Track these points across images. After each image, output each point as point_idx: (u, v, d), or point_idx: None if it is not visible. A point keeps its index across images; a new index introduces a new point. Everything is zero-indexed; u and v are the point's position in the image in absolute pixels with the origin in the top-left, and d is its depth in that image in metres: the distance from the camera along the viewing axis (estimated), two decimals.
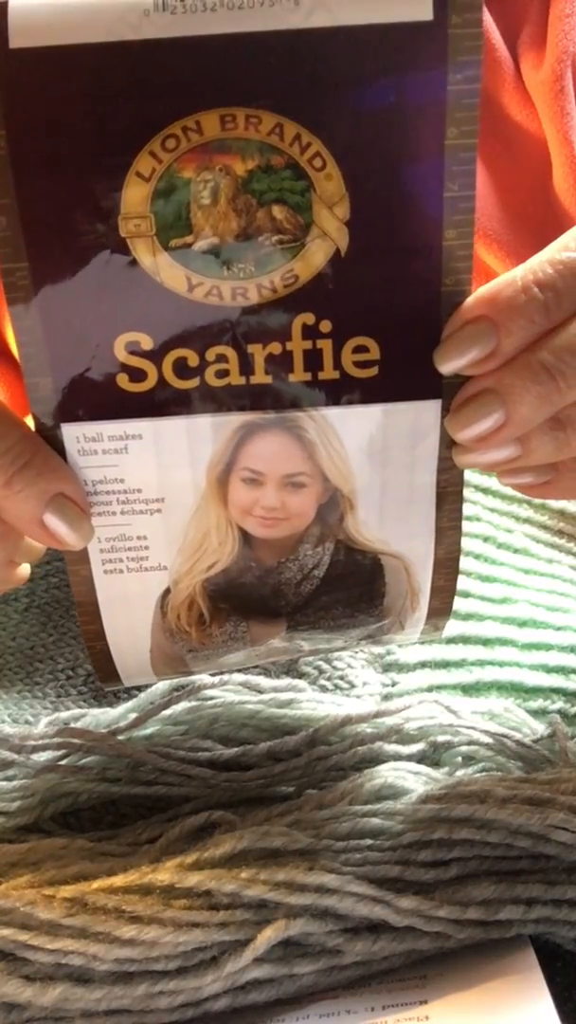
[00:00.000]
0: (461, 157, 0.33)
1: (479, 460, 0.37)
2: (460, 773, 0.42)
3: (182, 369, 0.36)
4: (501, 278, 0.35)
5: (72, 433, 0.36)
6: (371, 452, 0.38)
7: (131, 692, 0.48)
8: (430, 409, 0.37)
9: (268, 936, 0.34)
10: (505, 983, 0.34)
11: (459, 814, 0.37)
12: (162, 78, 0.32)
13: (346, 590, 0.41)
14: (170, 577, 0.40)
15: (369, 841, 0.37)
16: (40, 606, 0.53)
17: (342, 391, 0.36)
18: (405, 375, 0.36)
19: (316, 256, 0.34)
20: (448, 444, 0.38)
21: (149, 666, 0.43)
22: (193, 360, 0.36)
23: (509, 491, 0.56)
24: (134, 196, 0.33)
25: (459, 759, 0.43)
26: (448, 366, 0.35)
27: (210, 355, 0.35)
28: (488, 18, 0.60)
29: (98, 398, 0.36)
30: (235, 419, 0.37)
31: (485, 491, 0.57)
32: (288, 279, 0.35)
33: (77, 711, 0.46)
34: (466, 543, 0.54)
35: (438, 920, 0.35)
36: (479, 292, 0.35)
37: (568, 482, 0.39)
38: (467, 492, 0.56)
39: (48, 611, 0.53)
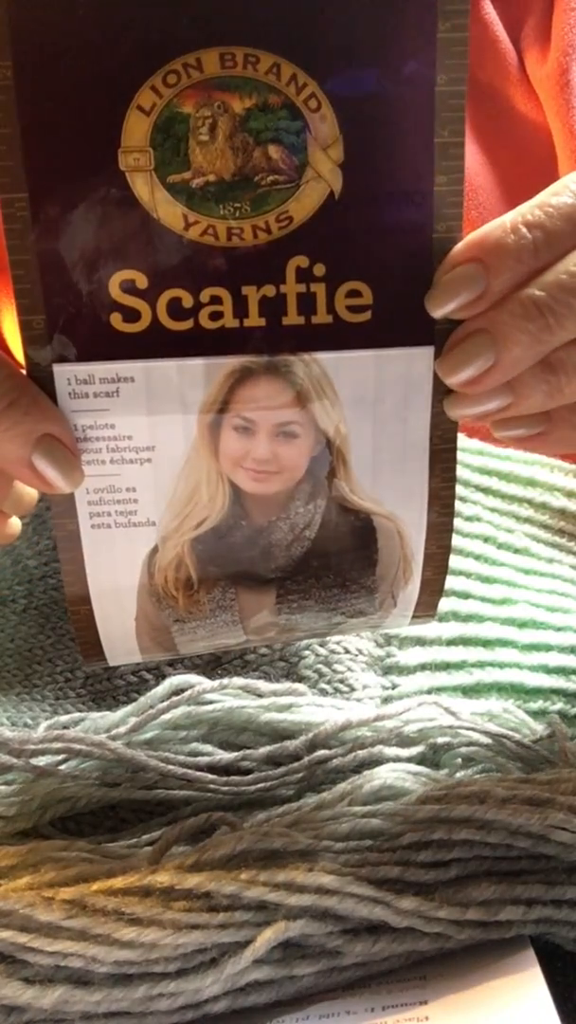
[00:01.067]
0: (451, 104, 0.34)
1: (471, 411, 0.37)
2: (460, 774, 0.42)
3: (176, 310, 0.36)
4: (491, 223, 0.35)
5: (64, 374, 0.36)
6: (363, 400, 0.38)
7: (130, 695, 0.48)
8: (423, 356, 0.37)
9: (268, 937, 0.34)
10: (505, 983, 0.34)
11: (459, 815, 0.37)
12: (165, 13, 0.33)
13: (338, 554, 0.41)
14: (158, 533, 0.40)
15: (369, 842, 0.37)
16: (38, 607, 0.53)
17: (335, 336, 0.37)
18: (398, 321, 0.37)
19: (311, 198, 0.35)
20: (441, 397, 0.38)
21: (134, 637, 0.43)
22: (187, 301, 0.36)
23: (510, 491, 0.56)
24: (135, 129, 0.34)
25: (459, 760, 0.43)
26: (439, 310, 0.36)
27: (204, 296, 0.36)
28: (492, 12, 0.60)
29: (91, 337, 0.36)
30: (228, 362, 0.37)
31: (486, 491, 0.57)
32: (283, 220, 0.35)
33: (76, 714, 0.46)
34: (466, 543, 0.54)
35: (438, 921, 0.35)
36: (469, 237, 0.36)
37: (562, 433, 0.38)
38: (467, 492, 0.56)
39: (46, 613, 0.53)
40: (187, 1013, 0.35)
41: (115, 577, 0.41)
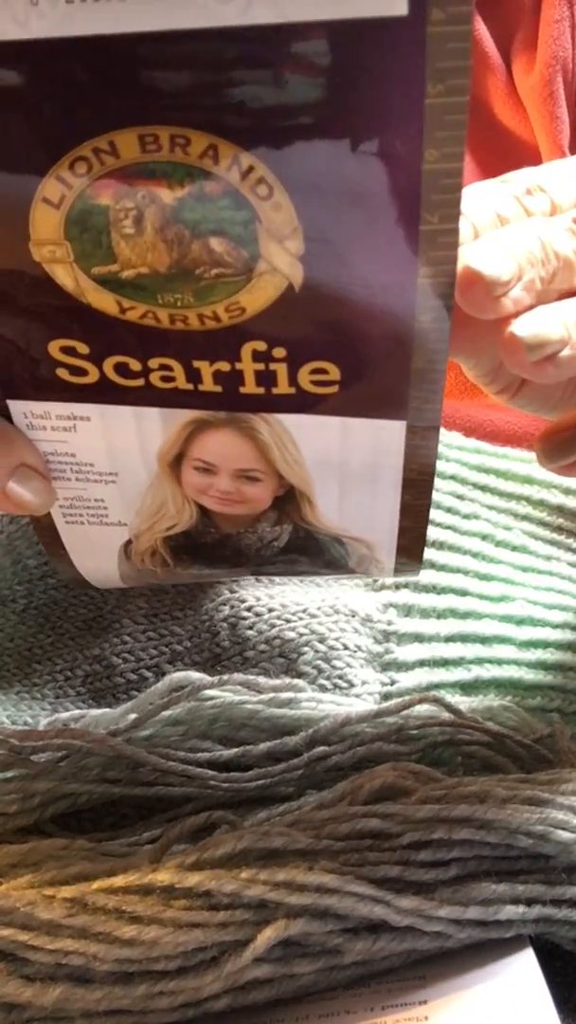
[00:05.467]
0: (443, 185, 0.27)
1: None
2: (459, 773, 0.42)
3: (125, 371, 0.33)
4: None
5: (19, 409, 0.35)
6: (328, 460, 0.36)
7: (130, 693, 0.48)
8: (395, 429, 0.34)
9: (268, 936, 0.34)
10: (505, 983, 0.34)
11: (459, 814, 0.37)
12: (60, 89, 0.25)
13: (309, 557, 0.41)
14: (130, 532, 0.40)
15: (369, 841, 0.37)
16: (38, 607, 0.53)
17: (299, 403, 0.33)
18: (368, 396, 0.33)
19: (265, 290, 0.30)
20: (412, 460, 0.35)
21: (119, 581, 0.43)
22: (135, 366, 0.33)
23: (508, 488, 0.56)
24: (44, 223, 0.28)
25: (459, 759, 0.43)
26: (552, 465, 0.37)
27: (153, 364, 0.33)
28: (483, 28, 0.60)
29: (40, 385, 0.34)
30: (184, 414, 0.34)
31: (483, 488, 0.56)
32: (234, 311, 0.30)
33: (76, 712, 0.46)
34: (464, 541, 0.54)
35: (438, 920, 0.35)
36: None
37: None
38: (465, 490, 0.56)
39: (46, 612, 0.52)
40: (187, 1011, 0.35)
41: (95, 556, 0.41)
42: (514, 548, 0.55)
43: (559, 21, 0.58)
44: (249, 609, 0.49)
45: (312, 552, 0.41)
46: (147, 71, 0.25)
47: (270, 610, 0.49)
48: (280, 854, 0.36)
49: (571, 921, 0.36)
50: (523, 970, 0.35)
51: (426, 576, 0.51)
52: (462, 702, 0.45)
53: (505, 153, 0.61)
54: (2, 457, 0.36)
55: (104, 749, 0.42)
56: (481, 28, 0.60)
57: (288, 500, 0.38)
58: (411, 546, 0.40)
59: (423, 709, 0.44)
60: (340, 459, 0.36)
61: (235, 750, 0.43)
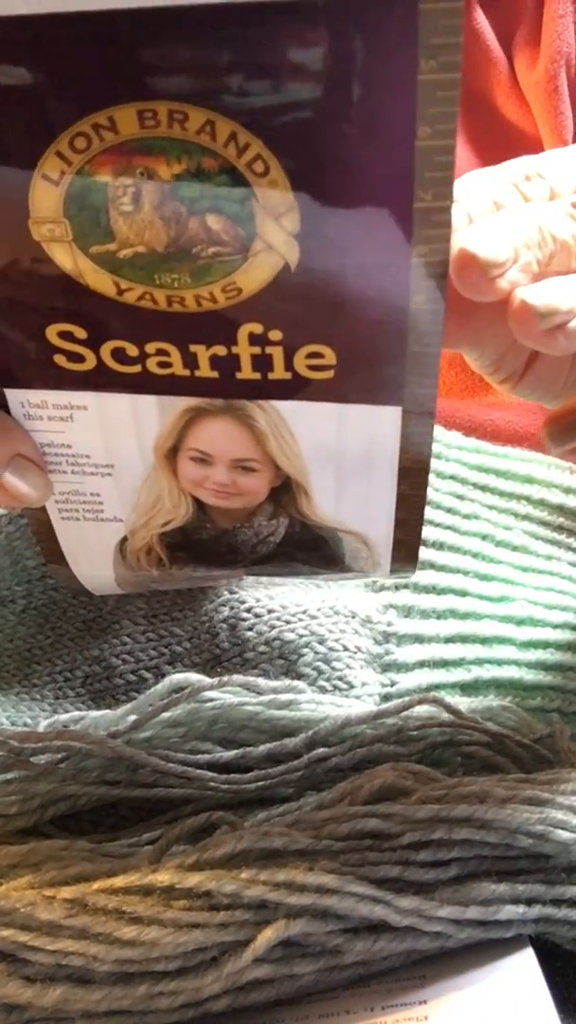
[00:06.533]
0: (437, 162, 0.27)
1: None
2: (459, 773, 0.42)
3: (122, 357, 0.33)
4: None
5: (16, 398, 0.35)
6: (325, 448, 0.36)
7: (129, 694, 0.48)
8: (390, 415, 0.34)
9: (268, 936, 0.34)
10: (505, 983, 0.34)
11: (459, 814, 0.37)
12: (63, 65, 0.26)
13: (304, 553, 0.41)
14: (126, 528, 0.40)
15: (369, 841, 0.37)
16: (37, 608, 0.53)
17: (295, 389, 0.34)
18: (364, 380, 0.33)
19: (262, 269, 0.30)
20: (407, 448, 0.35)
21: (115, 586, 0.43)
22: (132, 351, 0.33)
23: (508, 488, 0.56)
24: (43, 200, 0.29)
25: (459, 759, 0.43)
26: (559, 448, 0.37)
27: (150, 348, 0.33)
28: (482, 18, 0.60)
29: (37, 373, 0.34)
30: (182, 402, 0.35)
31: (483, 488, 0.56)
32: (231, 291, 0.30)
33: (76, 713, 0.46)
34: (464, 541, 0.54)
35: (438, 920, 0.35)
36: None
37: None
38: (465, 490, 0.56)
39: (45, 613, 0.53)
40: (187, 1012, 0.35)
41: (89, 556, 0.41)
42: (514, 548, 0.55)
43: (563, 17, 0.58)
44: (249, 610, 0.49)
45: (308, 548, 0.40)
46: (148, 48, 0.25)
47: (270, 611, 0.49)
48: (280, 854, 0.36)
49: (571, 921, 0.36)
50: (523, 970, 0.35)
51: (426, 577, 0.51)
52: (462, 703, 0.45)
53: (507, 146, 0.61)
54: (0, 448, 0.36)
55: (104, 751, 0.42)
56: (482, 21, 0.60)
57: (284, 492, 0.38)
58: (407, 539, 0.40)
59: (423, 710, 0.44)
60: (336, 447, 0.36)
61: (235, 752, 0.43)
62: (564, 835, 0.36)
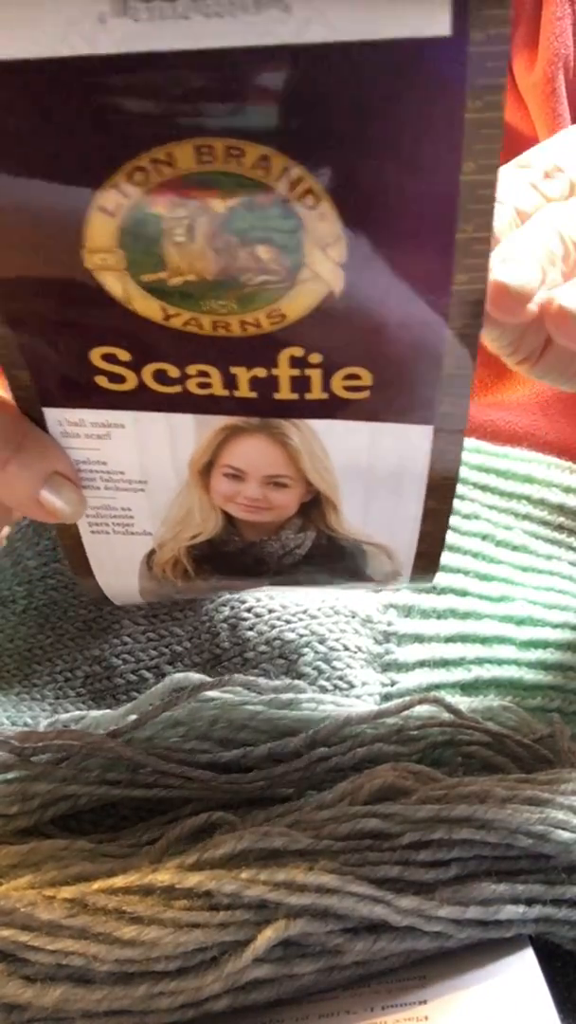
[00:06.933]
0: (479, 195, 0.28)
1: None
2: (459, 773, 0.42)
3: (163, 378, 0.34)
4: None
5: (54, 417, 0.36)
6: (356, 465, 0.36)
7: (130, 694, 0.48)
8: (422, 434, 0.35)
9: (268, 936, 0.34)
10: (505, 983, 0.34)
11: (459, 814, 0.37)
12: (124, 102, 0.27)
13: (329, 565, 0.41)
14: (155, 541, 0.40)
15: (369, 841, 0.37)
16: (38, 608, 0.53)
17: (330, 409, 0.34)
18: (398, 401, 0.34)
19: (307, 297, 0.31)
20: (437, 465, 0.36)
21: (138, 598, 0.44)
22: (174, 372, 0.34)
23: (508, 488, 0.56)
24: (99, 231, 0.29)
25: (459, 759, 0.43)
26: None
27: (191, 370, 0.33)
28: None
29: (77, 392, 0.35)
30: (218, 420, 0.35)
31: (483, 488, 0.56)
32: (275, 317, 0.31)
33: (77, 713, 0.46)
34: (464, 541, 0.54)
35: (438, 920, 0.35)
36: None
37: None
38: (465, 490, 0.56)
39: (46, 613, 0.53)
40: (188, 1012, 0.35)
41: (117, 567, 0.41)
42: (514, 548, 0.55)
43: (560, 19, 0.58)
44: (249, 610, 0.49)
45: (332, 559, 0.41)
46: (207, 85, 0.26)
47: (270, 611, 0.49)
48: (280, 854, 0.36)
49: (571, 921, 0.36)
50: (523, 970, 0.35)
51: None
52: (462, 702, 0.45)
53: (506, 147, 0.61)
54: (35, 464, 0.36)
55: (104, 750, 0.42)
56: None
57: (314, 506, 0.38)
58: (429, 551, 0.41)
59: (423, 710, 0.44)
60: (367, 464, 0.36)
61: (235, 752, 0.43)
62: (564, 835, 0.37)
